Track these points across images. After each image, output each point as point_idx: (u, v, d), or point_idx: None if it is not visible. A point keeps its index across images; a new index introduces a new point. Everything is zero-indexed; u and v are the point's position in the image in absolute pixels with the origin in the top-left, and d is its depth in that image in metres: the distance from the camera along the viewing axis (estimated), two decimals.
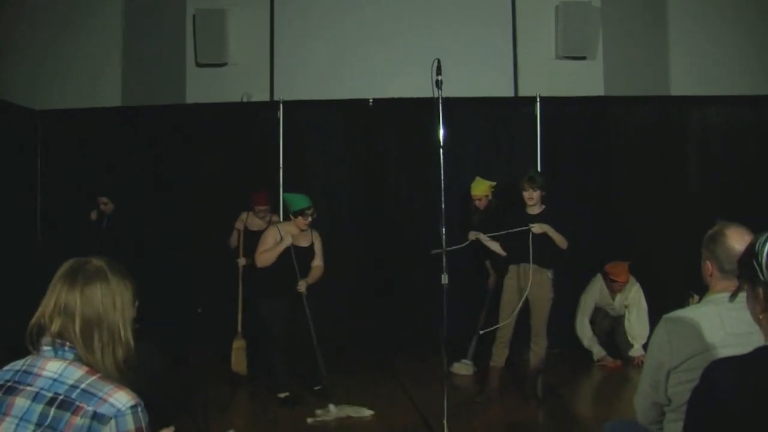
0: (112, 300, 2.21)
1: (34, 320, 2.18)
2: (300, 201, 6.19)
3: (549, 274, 6.21)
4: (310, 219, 6.19)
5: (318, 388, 6.38)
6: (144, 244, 7.80)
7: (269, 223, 7.31)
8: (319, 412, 5.90)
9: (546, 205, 6.24)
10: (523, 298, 6.12)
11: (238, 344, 7.10)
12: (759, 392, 1.70)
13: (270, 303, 6.19)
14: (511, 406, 6.17)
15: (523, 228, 6.04)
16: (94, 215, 7.89)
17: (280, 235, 6.19)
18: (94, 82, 9.11)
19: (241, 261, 7.30)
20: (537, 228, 6.00)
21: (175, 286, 7.97)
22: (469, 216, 7.42)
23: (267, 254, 6.16)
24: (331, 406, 5.95)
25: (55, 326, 2.14)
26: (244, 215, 7.48)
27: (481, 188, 7.38)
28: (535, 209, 6.21)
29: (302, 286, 6.19)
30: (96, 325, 2.16)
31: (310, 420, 5.80)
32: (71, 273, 2.21)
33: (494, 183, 7.44)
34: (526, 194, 6.17)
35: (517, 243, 6.12)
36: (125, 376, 2.18)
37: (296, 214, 6.15)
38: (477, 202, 7.39)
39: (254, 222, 7.44)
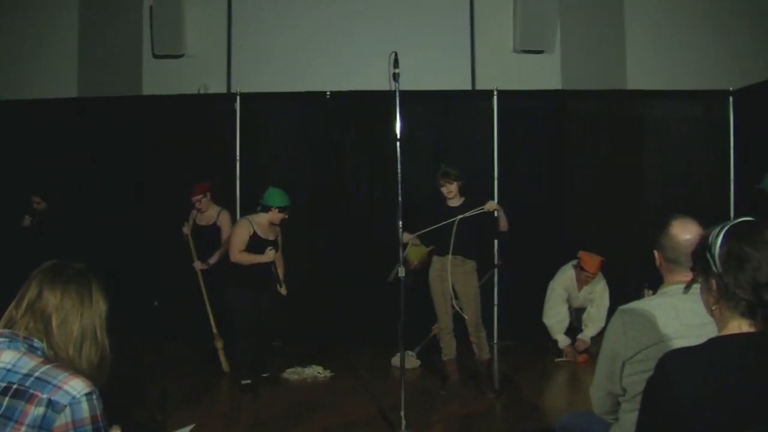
0: (91, 301, 2.25)
1: (6, 313, 2.20)
2: (284, 199, 6.42)
3: (473, 264, 6.34)
4: (285, 218, 6.44)
5: (266, 375, 6.52)
6: (89, 238, 7.73)
7: (218, 215, 7.24)
8: (290, 371, 6.86)
9: (465, 196, 6.32)
10: (451, 287, 6.27)
11: (220, 344, 7.02)
12: (712, 382, 1.72)
13: (235, 291, 6.33)
14: (468, 398, 6.19)
15: (475, 210, 6.13)
16: (27, 221, 7.77)
17: (252, 228, 6.37)
18: (50, 73, 9.04)
19: (197, 265, 7.21)
20: (491, 205, 6.15)
21: (129, 278, 7.86)
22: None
23: (245, 257, 6.33)
24: (298, 368, 6.92)
25: (26, 321, 2.16)
26: (193, 212, 7.40)
27: (417, 255, 6.55)
28: (455, 201, 6.33)
29: (284, 288, 6.63)
30: (73, 324, 2.20)
31: (284, 374, 6.80)
32: (52, 272, 2.25)
33: (432, 247, 6.48)
34: (444, 189, 6.30)
35: (440, 235, 6.22)
36: (98, 378, 2.19)
37: (281, 209, 6.38)
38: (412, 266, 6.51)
39: (201, 216, 7.39)
